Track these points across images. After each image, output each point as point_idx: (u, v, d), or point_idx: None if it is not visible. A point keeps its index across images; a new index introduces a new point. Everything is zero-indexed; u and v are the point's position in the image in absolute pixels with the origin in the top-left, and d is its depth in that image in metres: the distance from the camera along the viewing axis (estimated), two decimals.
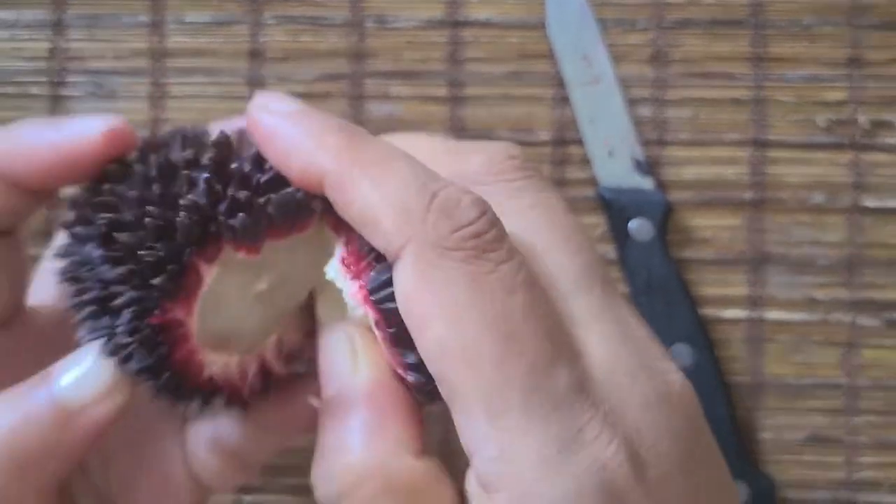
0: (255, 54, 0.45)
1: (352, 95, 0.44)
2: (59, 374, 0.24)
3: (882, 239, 0.43)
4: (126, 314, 0.23)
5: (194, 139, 0.25)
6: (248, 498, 0.43)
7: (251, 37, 0.45)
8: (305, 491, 0.42)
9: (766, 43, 0.44)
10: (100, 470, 0.29)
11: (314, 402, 0.24)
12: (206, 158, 0.24)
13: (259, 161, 0.24)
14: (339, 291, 0.25)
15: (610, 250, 0.43)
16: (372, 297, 0.23)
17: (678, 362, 0.41)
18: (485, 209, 0.21)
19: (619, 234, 0.42)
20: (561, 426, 0.20)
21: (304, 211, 0.24)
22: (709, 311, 0.43)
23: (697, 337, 0.42)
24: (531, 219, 0.23)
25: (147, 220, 0.23)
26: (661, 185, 0.43)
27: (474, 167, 0.24)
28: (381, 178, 0.22)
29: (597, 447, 0.20)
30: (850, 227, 0.44)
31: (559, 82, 0.44)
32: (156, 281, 0.23)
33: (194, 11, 0.45)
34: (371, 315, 0.23)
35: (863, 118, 0.44)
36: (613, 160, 0.43)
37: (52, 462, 0.24)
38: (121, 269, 0.23)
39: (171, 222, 0.23)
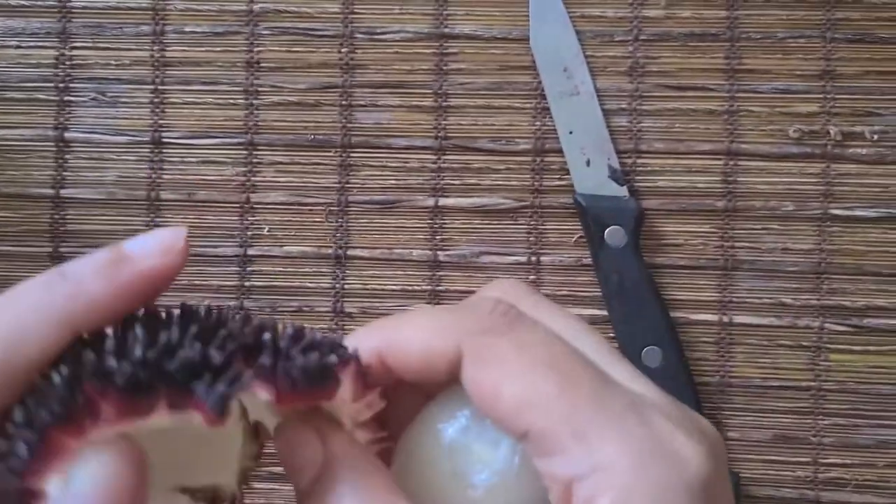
0: (251, 64, 0.47)
1: (342, 105, 0.46)
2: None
3: (850, 246, 0.45)
4: None
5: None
6: None
7: (248, 47, 0.47)
8: None
9: (741, 56, 0.46)
10: None
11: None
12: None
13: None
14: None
15: (585, 255, 0.45)
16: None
17: (648, 363, 0.43)
18: (500, 298, 0.25)
19: (594, 239, 0.44)
20: (637, 429, 0.23)
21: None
22: (680, 315, 0.45)
23: (667, 339, 0.44)
24: (548, 329, 0.26)
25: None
26: (636, 193, 0.45)
27: (480, 319, 0.26)
28: (417, 322, 0.26)
29: (682, 450, 0.23)
30: (818, 234, 0.45)
31: (540, 93, 0.46)
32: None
33: (194, 23, 0.47)
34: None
35: (834, 129, 0.45)
36: (590, 169, 0.45)
37: None
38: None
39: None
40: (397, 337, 0.25)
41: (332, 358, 0.23)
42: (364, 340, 0.25)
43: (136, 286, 0.23)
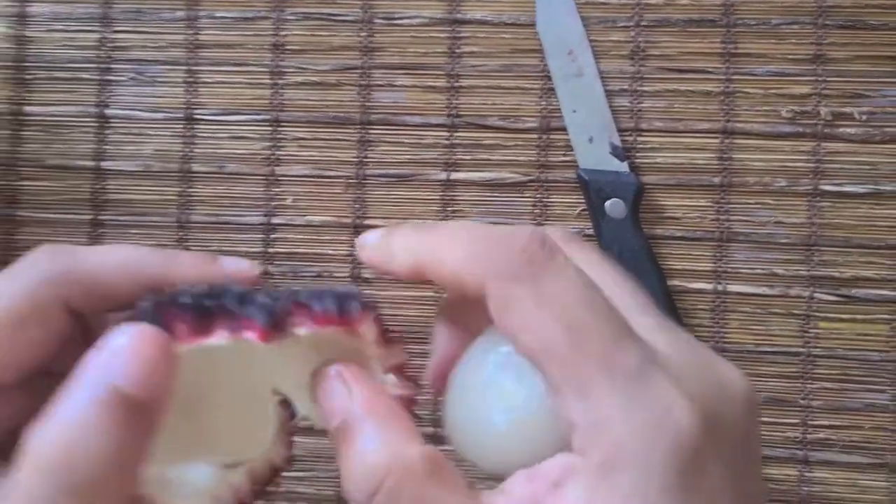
0: (277, 47, 0.50)
1: (361, 85, 0.50)
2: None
3: (839, 221, 0.48)
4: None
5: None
6: None
7: (274, 31, 0.50)
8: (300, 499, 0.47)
9: (737, 40, 0.48)
10: None
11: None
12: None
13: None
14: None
15: (587, 227, 0.48)
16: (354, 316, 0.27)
17: None
18: (537, 235, 0.25)
19: (596, 212, 0.47)
20: (640, 394, 0.23)
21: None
22: (677, 283, 0.48)
23: (664, 307, 0.46)
24: (574, 277, 0.26)
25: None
26: (636, 169, 0.48)
27: (509, 260, 0.26)
28: (453, 243, 0.27)
29: (675, 411, 0.23)
30: (809, 209, 0.48)
31: (546, 75, 0.49)
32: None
33: (224, 8, 0.50)
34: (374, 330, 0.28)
35: (824, 110, 0.48)
36: (593, 146, 0.48)
37: None
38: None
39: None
40: (434, 251, 0.26)
41: (355, 302, 0.27)
42: (407, 241, 0.27)
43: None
